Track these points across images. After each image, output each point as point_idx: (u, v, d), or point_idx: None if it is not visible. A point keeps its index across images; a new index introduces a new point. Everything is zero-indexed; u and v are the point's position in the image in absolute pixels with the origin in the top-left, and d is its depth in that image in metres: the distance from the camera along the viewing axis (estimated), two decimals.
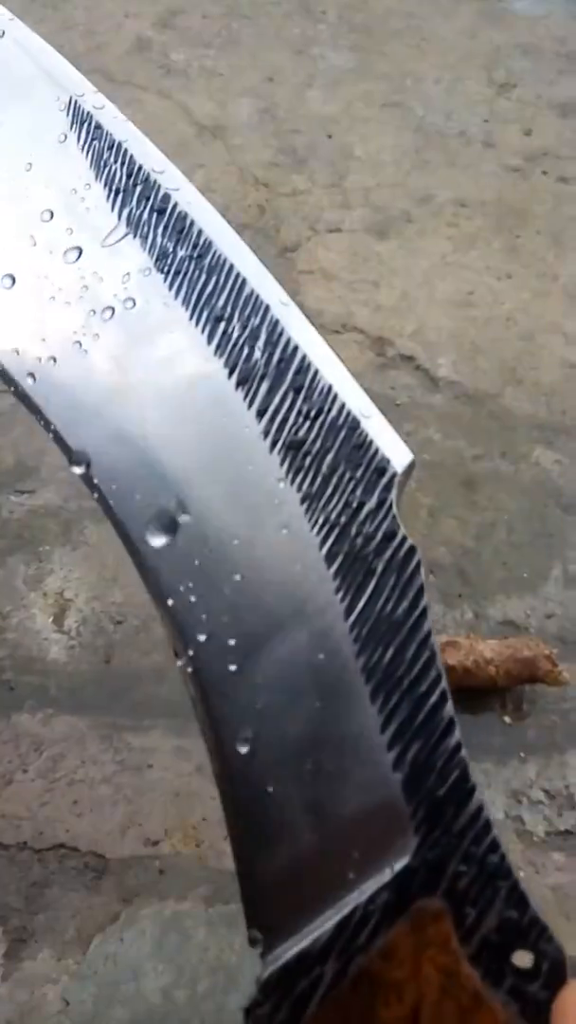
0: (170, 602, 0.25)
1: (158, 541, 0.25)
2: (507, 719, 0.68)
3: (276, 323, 0.26)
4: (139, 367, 0.26)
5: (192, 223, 0.27)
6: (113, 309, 0.27)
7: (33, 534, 0.77)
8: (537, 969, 0.22)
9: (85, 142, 0.28)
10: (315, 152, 1.13)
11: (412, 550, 0.24)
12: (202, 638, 0.25)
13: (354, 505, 0.25)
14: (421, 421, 0.86)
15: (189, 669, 0.25)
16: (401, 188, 1.09)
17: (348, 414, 0.25)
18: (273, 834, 0.24)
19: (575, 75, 1.25)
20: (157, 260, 0.27)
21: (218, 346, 0.26)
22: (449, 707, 0.23)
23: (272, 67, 1.24)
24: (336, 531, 0.24)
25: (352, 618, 0.24)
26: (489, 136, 1.16)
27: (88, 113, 0.28)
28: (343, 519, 0.24)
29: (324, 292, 0.97)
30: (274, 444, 0.25)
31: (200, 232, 0.27)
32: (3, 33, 0.30)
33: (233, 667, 0.25)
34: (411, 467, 0.25)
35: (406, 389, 0.89)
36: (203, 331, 0.26)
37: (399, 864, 0.23)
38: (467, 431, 0.86)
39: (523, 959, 0.22)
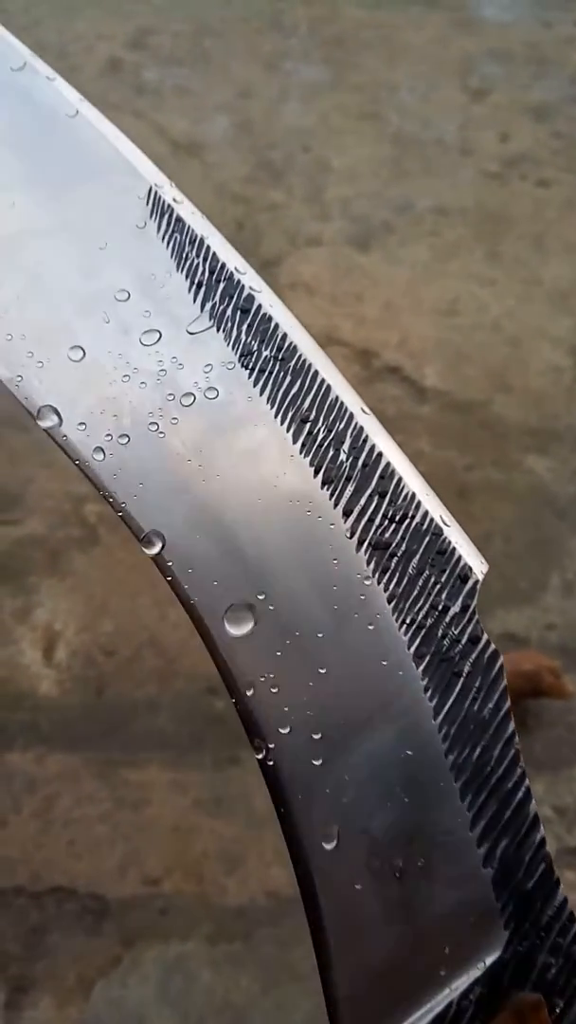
0: (249, 692, 0.25)
1: (237, 630, 0.25)
2: None
3: (361, 429, 0.26)
4: (220, 456, 0.26)
5: (276, 326, 0.27)
6: (194, 396, 0.27)
7: (19, 565, 0.75)
8: None
9: (166, 233, 0.28)
10: (292, 166, 1.12)
11: (496, 654, 0.25)
12: (284, 731, 0.25)
13: (439, 608, 0.25)
14: (410, 432, 0.85)
15: (270, 763, 0.25)
16: (380, 198, 1.09)
17: (431, 521, 0.26)
18: (361, 933, 0.24)
19: (548, 79, 1.25)
20: (241, 356, 0.27)
21: (303, 445, 0.26)
22: (533, 803, 0.24)
23: (245, 83, 1.23)
24: (423, 632, 0.25)
25: (440, 717, 0.24)
26: (466, 143, 1.16)
27: (168, 205, 0.28)
28: (429, 621, 0.25)
29: (307, 306, 0.96)
30: (360, 543, 0.26)
31: (285, 336, 0.27)
32: (76, 113, 0.30)
33: (317, 761, 0.24)
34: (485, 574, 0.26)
35: (394, 401, 0.88)
36: (288, 430, 0.26)
37: (491, 958, 0.23)
38: (458, 441, 0.84)
39: None
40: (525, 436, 0.85)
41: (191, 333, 0.27)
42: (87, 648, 0.70)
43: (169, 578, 0.26)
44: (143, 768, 0.63)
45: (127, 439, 0.26)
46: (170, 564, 0.26)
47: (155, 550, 0.26)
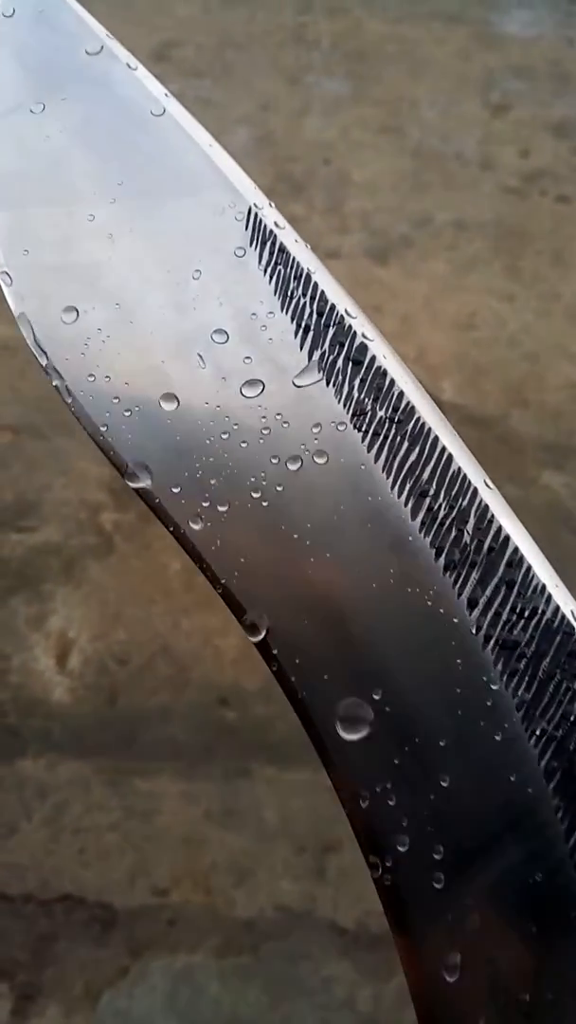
0: (363, 803, 0.22)
1: (350, 733, 0.22)
2: None
3: (486, 508, 0.23)
4: (331, 532, 0.23)
5: (392, 382, 0.24)
6: (301, 460, 0.23)
7: (34, 573, 0.75)
8: None
9: (268, 264, 0.24)
10: (312, 179, 1.13)
11: None
12: (402, 848, 0.22)
13: (571, 719, 0.22)
14: None
15: (387, 882, 0.22)
16: (400, 212, 1.09)
17: (563, 618, 0.23)
18: None
19: (569, 96, 1.25)
20: (353, 416, 0.23)
21: (423, 523, 0.23)
22: None
23: (267, 96, 1.24)
24: (554, 745, 0.22)
25: (573, 841, 0.22)
26: (486, 158, 1.16)
27: (270, 231, 0.25)
28: (560, 732, 0.22)
29: None
30: (487, 641, 0.22)
31: (401, 395, 0.24)
32: (163, 111, 0.26)
33: (438, 883, 0.22)
34: None
35: None
36: (406, 504, 0.23)
37: None
38: (474, 455, 0.84)
39: None
40: (542, 452, 0.85)
41: (298, 386, 0.24)
42: (100, 656, 0.70)
43: (274, 668, 0.23)
44: (154, 777, 0.64)
45: (227, 507, 0.23)
46: (275, 652, 0.23)
47: (259, 636, 0.23)
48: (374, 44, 1.33)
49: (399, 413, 0.23)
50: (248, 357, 0.24)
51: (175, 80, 1.26)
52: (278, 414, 0.23)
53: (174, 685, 0.67)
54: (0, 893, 0.60)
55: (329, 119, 1.21)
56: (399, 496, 0.23)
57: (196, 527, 0.23)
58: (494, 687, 0.22)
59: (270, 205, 0.25)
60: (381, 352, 0.24)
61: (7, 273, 0.24)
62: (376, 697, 0.22)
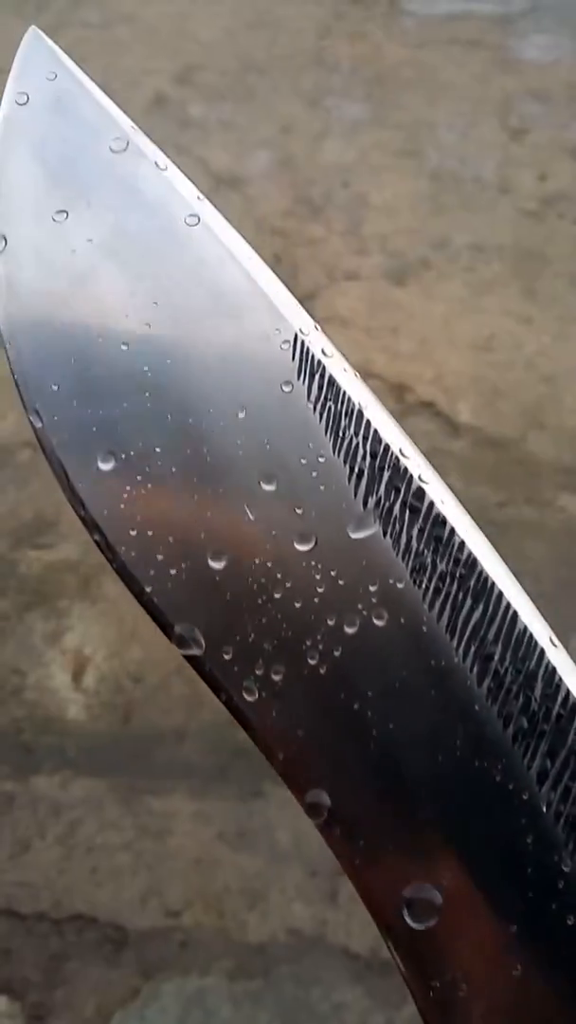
0: (431, 993, 0.21)
1: (418, 921, 0.21)
2: None
3: (553, 671, 0.22)
4: (393, 700, 0.21)
5: (452, 531, 0.22)
6: (358, 621, 0.22)
7: (51, 589, 0.76)
8: None
9: (318, 400, 0.22)
10: (331, 200, 1.14)
11: None
12: None
13: None
14: (442, 468, 0.85)
15: None
16: (418, 234, 1.10)
17: None
18: None
19: None
20: (412, 571, 0.22)
21: (489, 690, 0.21)
22: None
23: (288, 119, 1.26)
24: None
25: None
26: (504, 181, 1.17)
27: (319, 361, 0.22)
28: None
29: (342, 339, 0.97)
30: (558, 817, 0.21)
31: (461, 544, 0.22)
32: (197, 221, 0.23)
33: None
34: None
35: (426, 435, 0.88)
36: (471, 669, 0.21)
37: None
38: (490, 477, 0.84)
39: None
40: (559, 474, 0.85)
41: (352, 538, 0.22)
42: (116, 674, 0.70)
43: (336, 849, 0.21)
44: (167, 797, 0.64)
45: (280, 674, 0.22)
46: (336, 831, 0.21)
47: (321, 819, 0.21)
48: (393, 68, 1.34)
49: (460, 566, 0.22)
50: (299, 505, 0.22)
51: (197, 103, 1.28)
52: (333, 570, 0.22)
53: (188, 705, 0.67)
54: (13, 911, 0.60)
55: (348, 142, 1.22)
56: (463, 660, 0.21)
57: (250, 698, 0.22)
58: (566, 869, 0.21)
59: (316, 328, 0.23)
60: (439, 496, 0.22)
61: (37, 412, 0.22)
62: (444, 882, 0.21)
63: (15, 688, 0.70)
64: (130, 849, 0.62)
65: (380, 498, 0.22)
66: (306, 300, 0.99)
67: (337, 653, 0.21)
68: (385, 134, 1.23)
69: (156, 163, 0.24)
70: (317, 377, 0.22)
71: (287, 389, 0.22)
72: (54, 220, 0.23)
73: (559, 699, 0.21)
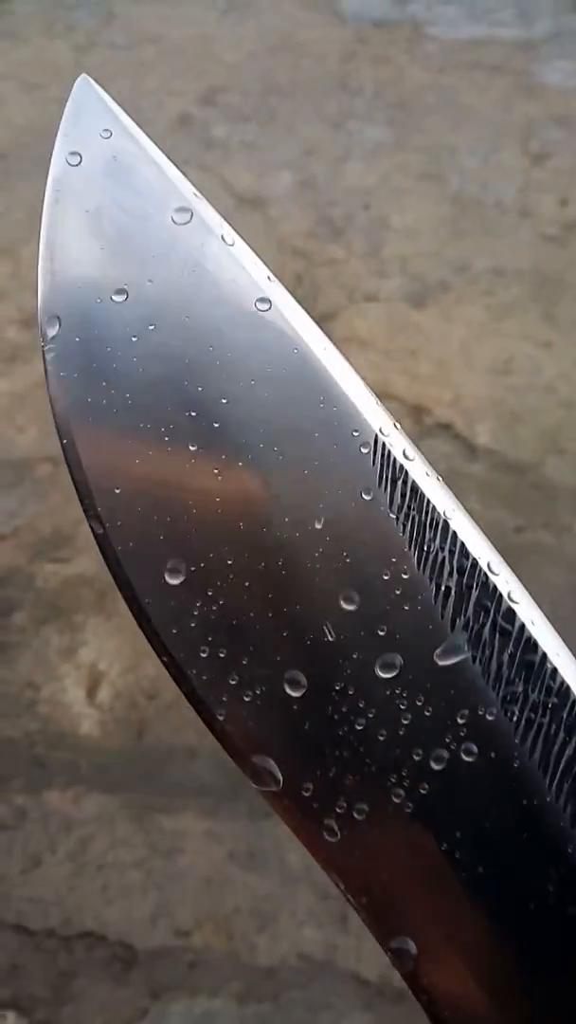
0: None
1: None
2: None
3: None
4: (482, 843, 0.20)
5: (544, 656, 0.20)
6: (445, 756, 0.20)
7: (67, 603, 0.76)
8: None
9: (400, 509, 0.20)
10: (352, 222, 1.14)
11: None
12: None
13: None
14: (460, 491, 0.85)
15: None
16: (438, 257, 1.10)
17: None
18: None
19: None
20: (504, 701, 0.20)
21: None
22: None
23: (310, 141, 1.27)
24: None
25: None
26: (525, 206, 1.17)
27: (401, 466, 0.20)
28: None
29: (361, 361, 0.97)
30: None
31: (555, 672, 0.20)
32: (269, 306, 0.21)
33: None
34: None
35: (444, 458, 0.88)
36: (565, 808, 0.20)
37: None
38: (508, 501, 0.84)
39: None
40: None
41: (439, 664, 0.20)
42: (130, 690, 0.70)
43: (424, 997, 0.20)
44: (179, 815, 0.63)
45: (363, 813, 0.20)
46: (423, 981, 0.20)
47: (407, 969, 0.20)
48: (416, 92, 1.35)
49: (554, 695, 0.20)
50: (382, 628, 0.20)
51: (221, 124, 1.29)
52: (419, 700, 0.20)
53: (201, 723, 0.67)
54: (22, 927, 0.60)
55: (370, 165, 1.23)
56: (557, 799, 0.20)
57: (332, 839, 0.20)
58: None
59: (396, 427, 0.21)
60: (529, 617, 0.21)
61: (105, 529, 0.20)
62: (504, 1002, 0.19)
63: (29, 701, 0.70)
64: (141, 867, 0.62)
65: (468, 620, 0.20)
66: (325, 321, 1.00)
67: (424, 791, 0.20)
68: (407, 157, 1.24)
69: (223, 237, 0.21)
70: (399, 484, 0.20)
71: (367, 496, 0.20)
72: (113, 300, 0.21)
73: None
